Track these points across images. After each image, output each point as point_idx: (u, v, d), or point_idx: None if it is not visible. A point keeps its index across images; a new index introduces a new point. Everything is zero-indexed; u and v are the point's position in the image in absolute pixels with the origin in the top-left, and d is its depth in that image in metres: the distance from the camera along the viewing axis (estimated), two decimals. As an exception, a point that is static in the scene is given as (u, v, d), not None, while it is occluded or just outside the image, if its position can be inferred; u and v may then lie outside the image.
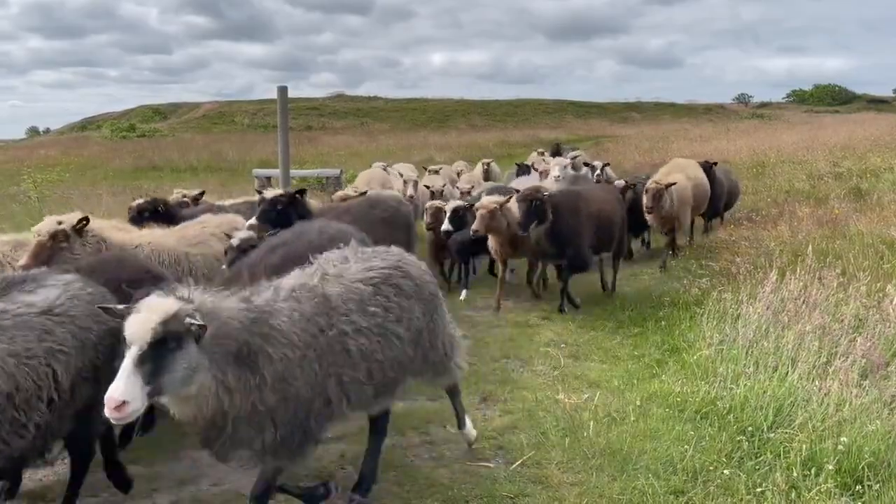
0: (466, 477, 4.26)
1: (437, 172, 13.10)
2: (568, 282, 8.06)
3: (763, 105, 74.70)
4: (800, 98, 78.04)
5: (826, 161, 18.11)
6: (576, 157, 14.37)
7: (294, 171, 13.02)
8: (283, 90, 9.89)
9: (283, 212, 6.09)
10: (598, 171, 12.59)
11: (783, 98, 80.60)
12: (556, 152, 19.69)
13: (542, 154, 17.68)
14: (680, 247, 10.62)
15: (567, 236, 7.70)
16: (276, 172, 12.01)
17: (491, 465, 4.45)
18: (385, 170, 12.73)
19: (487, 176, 13.67)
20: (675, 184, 9.46)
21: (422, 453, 4.63)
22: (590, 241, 7.93)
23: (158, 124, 53.48)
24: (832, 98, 74.93)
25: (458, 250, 8.77)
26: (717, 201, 11.84)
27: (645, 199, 9.19)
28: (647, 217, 9.55)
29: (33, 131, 76.34)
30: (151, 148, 32.75)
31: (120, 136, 42.92)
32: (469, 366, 6.12)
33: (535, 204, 7.46)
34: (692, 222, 11.29)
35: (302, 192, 6.59)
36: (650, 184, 9.20)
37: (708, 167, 11.45)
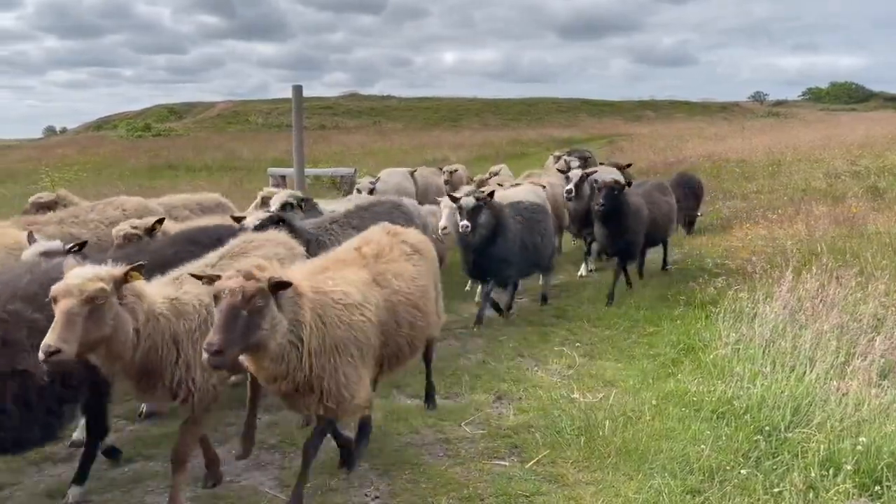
0: (481, 475, 4.25)
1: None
2: None
3: (779, 103, 74.29)
4: (816, 96, 77.68)
5: (843, 159, 17.94)
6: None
7: (308, 170, 13.04)
8: (297, 89, 9.93)
9: None
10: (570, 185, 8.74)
11: (799, 96, 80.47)
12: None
13: (559, 157, 13.76)
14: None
15: None
16: (290, 171, 12.06)
17: (506, 463, 4.44)
18: (373, 185, 9.87)
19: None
20: (289, 285, 3.29)
21: (436, 451, 4.62)
22: None
23: (173, 124, 53.86)
24: (848, 96, 74.50)
25: None
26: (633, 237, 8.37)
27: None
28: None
29: (50, 131, 77.21)
30: (167, 147, 32.96)
31: (136, 136, 43.20)
32: (483, 364, 6.20)
33: None
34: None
35: None
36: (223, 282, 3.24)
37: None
